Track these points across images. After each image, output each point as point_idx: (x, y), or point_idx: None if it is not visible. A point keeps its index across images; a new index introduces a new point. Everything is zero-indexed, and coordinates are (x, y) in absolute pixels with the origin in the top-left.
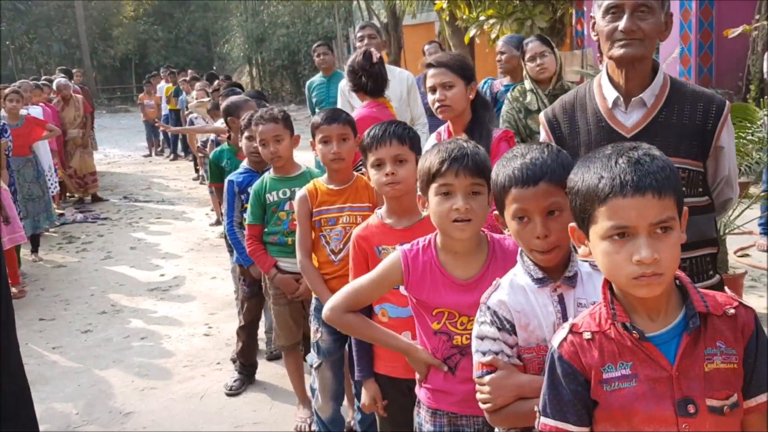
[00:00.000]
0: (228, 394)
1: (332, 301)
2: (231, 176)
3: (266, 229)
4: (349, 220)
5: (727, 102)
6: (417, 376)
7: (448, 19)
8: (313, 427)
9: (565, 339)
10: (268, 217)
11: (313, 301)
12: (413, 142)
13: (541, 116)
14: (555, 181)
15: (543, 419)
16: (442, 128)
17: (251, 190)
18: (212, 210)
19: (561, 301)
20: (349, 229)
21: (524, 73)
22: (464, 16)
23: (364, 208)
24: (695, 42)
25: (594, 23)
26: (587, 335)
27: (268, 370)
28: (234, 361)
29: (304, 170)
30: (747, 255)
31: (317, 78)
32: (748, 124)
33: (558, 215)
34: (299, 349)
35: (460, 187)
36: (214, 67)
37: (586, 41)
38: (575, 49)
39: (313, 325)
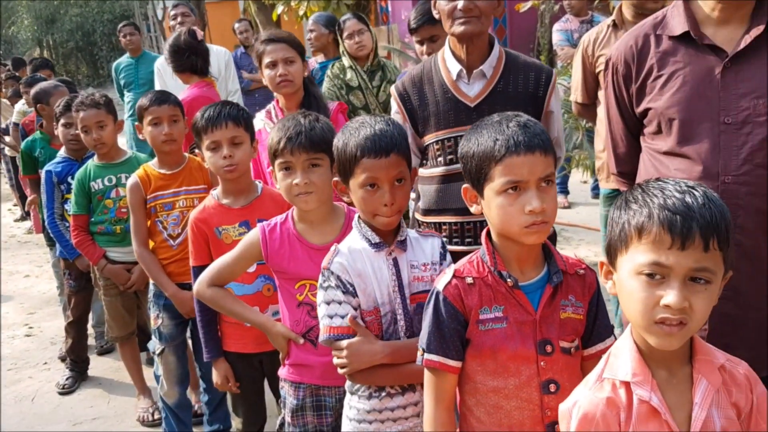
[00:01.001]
0: (61, 393)
1: (199, 278)
2: (48, 166)
3: (92, 219)
4: (186, 204)
5: (554, 71)
6: (280, 355)
7: None
8: (156, 415)
9: (449, 282)
10: (94, 205)
11: (152, 287)
12: (248, 123)
13: (392, 89)
14: (402, 152)
15: (427, 356)
16: (271, 105)
17: (74, 179)
18: (15, 205)
19: (396, 264)
20: (186, 213)
21: (341, 50)
22: None
23: (199, 190)
24: None
25: (435, 2)
26: (469, 280)
27: (100, 365)
28: (63, 360)
29: (130, 156)
30: None
31: (124, 59)
32: None
33: (403, 183)
34: (134, 339)
35: (297, 163)
36: (0, 52)
37: (391, 17)
38: (381, 25)
39: (153, 312)
